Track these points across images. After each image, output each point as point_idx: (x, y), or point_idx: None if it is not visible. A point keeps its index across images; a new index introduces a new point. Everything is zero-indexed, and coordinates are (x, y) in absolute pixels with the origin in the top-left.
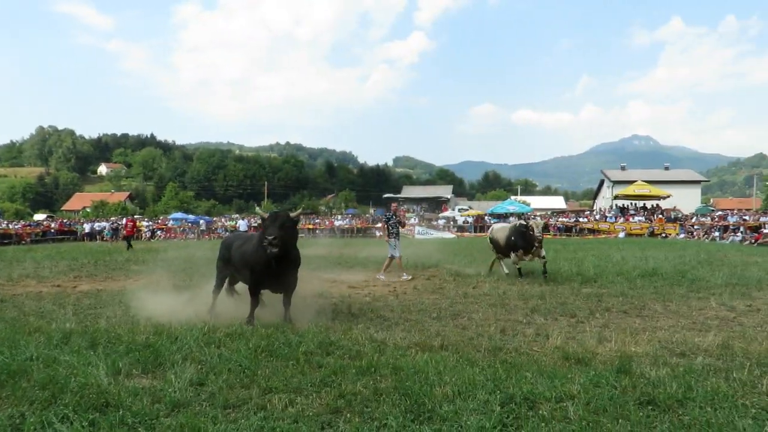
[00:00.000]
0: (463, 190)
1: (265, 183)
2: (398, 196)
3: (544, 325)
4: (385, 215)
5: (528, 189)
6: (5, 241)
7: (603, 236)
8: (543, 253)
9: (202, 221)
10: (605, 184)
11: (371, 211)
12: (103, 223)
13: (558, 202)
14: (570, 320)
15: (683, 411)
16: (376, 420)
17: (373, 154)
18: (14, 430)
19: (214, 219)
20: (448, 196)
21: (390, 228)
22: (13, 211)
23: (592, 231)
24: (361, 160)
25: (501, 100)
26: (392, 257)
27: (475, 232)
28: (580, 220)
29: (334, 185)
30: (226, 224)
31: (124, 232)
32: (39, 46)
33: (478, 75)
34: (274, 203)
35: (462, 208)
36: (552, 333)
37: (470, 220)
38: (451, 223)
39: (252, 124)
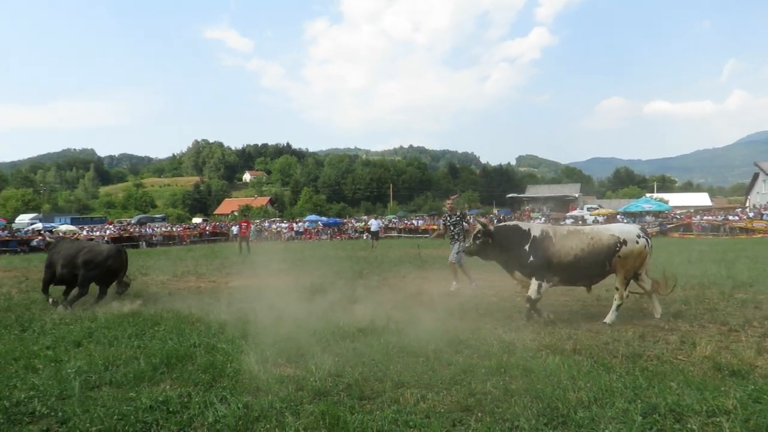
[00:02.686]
0: (591, 189)
1: (390, 185)
2: (522, 195)
3: (689, 333)
4: (445, 216)
5: (666, 185)
6: (170, 242)
7: (759, 236)
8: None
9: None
10: (760, 178)
11: (495, 211)
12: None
13: (702, 199)
14: (721, 328)
15: None
16: (508, 421)
17: (495, 154)
18: (183, 407)
19: (344, 220)
20: (576, 195)
21: (451, 229)
22: (175, 216)
23: (745, 230)
24: (483, 161)
25: (631, 93)
26: (458, 263)
27: None
28: (730, 218)
29: (456, 186)
30: (355, 225)
31: (240, 233)
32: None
33: (605, 67)
34: (399, 205)
35: (591, 207)
36: (700, 341)
37: (600, 219)
38: (580, 222)
39: (376, 129)
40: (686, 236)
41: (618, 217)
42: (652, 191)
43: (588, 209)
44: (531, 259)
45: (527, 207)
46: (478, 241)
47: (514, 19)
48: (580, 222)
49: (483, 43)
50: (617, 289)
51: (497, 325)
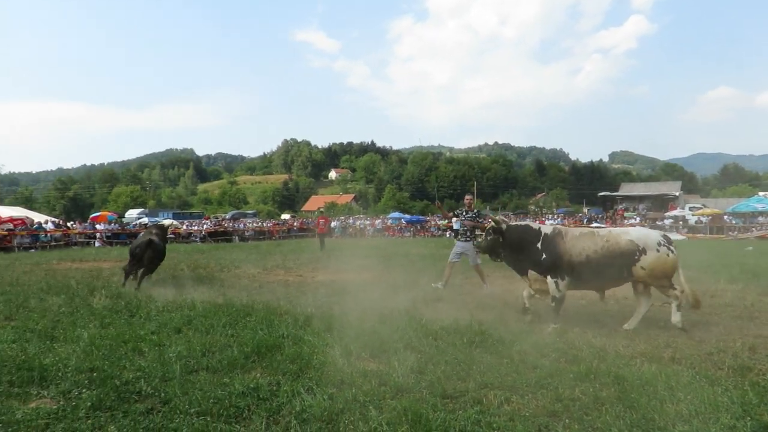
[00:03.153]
0: (694, 186)
1: (474, 183)
2: (616, 194)
3: None
4: (460, 211)
5: None
6: (260, 237)
7: None
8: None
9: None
10: None
11: (585, 210)
12: (334, 222)
13: None
14: None
15: None
16: (598, 430)
17: (586, 150)
18: (272, 395)
19: (428, 218)
20: (676, 193)
21: (463, 225)
22: (265, 212)
23: None
24: (572, 157)
25: (741, 82)
26: (476, 264)
27: (711, 233)
28: None
29: (544, 184)
30: (438, 223)
31: (318, 230)
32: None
33: (710, 56)
34: (483, 203)
35: (694, 207)
36: None
37: (704, 219)
38: (680, 223)
39: (461, 126)
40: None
41: (725, 217)
42: (766, 190)
43: (690, 209)
44: (543, 256)
45: (621, 206)
46: (489, 237)
47: (608, 7)
48: (680, 222)
49: (574, 34)
50: (668, 296)
51: (586, 329)
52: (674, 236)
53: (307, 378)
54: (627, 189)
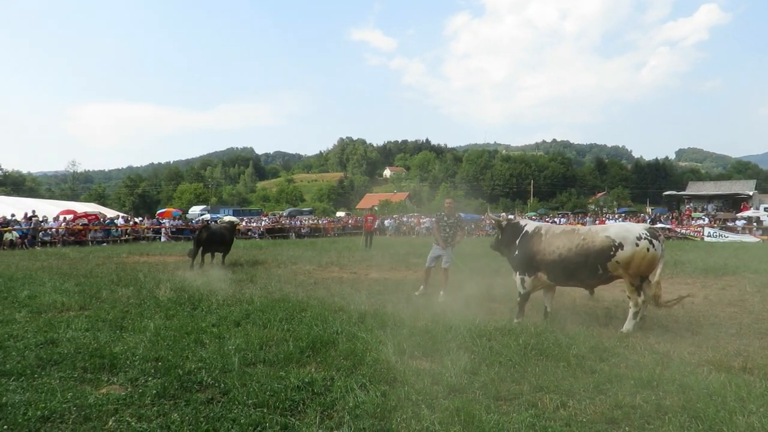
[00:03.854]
0: None
1: (531, 181)
2: (683, 193)
3: None
4: (440, 215)
5: None
6: (316, 234)
7: None
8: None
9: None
10: None
11: (648, 209)
12: (388, 221)
13: None
14: None
15: None
16: None
17: (650, 147)
18: (326, 390)
19: (483, 217)
20: (750, 193)
21: (447, 231)
22: (321, 209)
23: None
24: (636, 155)
25: None
26: (446, 268)
27: None
28: None
29: (604, 182)
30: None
31: (365, 227)
32: (341, 71)
33: None
34: (540, 201)
35: None
36: None
37: None
38: (755, 224)
39: (517, 123)
40: None
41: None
42: None
43: (765, 209)
44: (516, 253)
45: (688, 206)
46: (495, 235)
47: None
48: (754, 223)
49: (639, 26)
50: (629, 297)
51: (649, 334)
52: (748, 238)
53: (361, 374)
54: (695, 188)
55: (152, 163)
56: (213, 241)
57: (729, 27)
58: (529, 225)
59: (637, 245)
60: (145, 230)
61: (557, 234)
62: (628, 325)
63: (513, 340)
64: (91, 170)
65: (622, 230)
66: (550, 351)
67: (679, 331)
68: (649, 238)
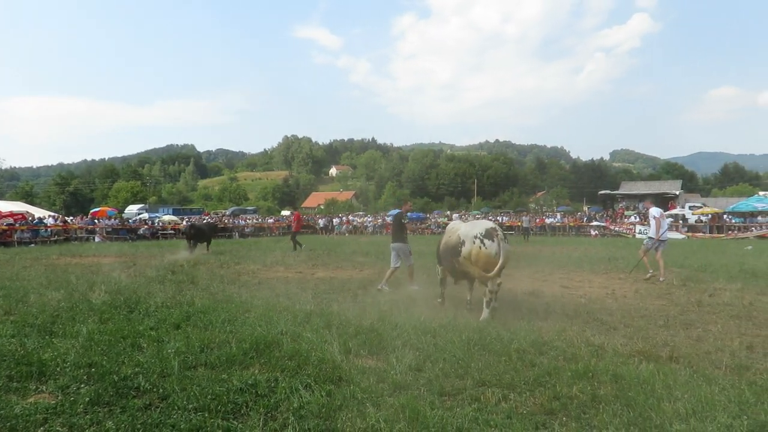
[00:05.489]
0: (695, 186)
1: (475, 181)
2: (616, 192)
3: None
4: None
5: None
6: (260, 233)
7: None
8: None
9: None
10: None
11: (585, 208)
12: (337, 219)
13: None
14: None
15: None
16: (595, 428)
17: (587, 149)
18: (270, 391)
19: (427, 216)
20: (677, 192)
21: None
22: (265, 208)
23: None
24: (573, 155)
25: (744, 81)
26: (409, 266)
27: (711, 232)
28: None
29: (544, 182)
30: (438, 220)
31: (293, 228)
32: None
33: (714, 55)
34: (483, 200)
35: (694, 206)
36: None
37: (704, 218)
38: (680, 222)
39: (462, 124)
40: None
41: (725, 216)
42: (766, 189)
43: (690, 207)
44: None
45: (621, 204)
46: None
47: (613, 5)
48: (680, 221)
49: (577, 32)
50: (486, 290)
51: (585, 328)
52: (674, 235)
53: (306, 375)
54: (627, 187)
55: (85, 160)
56: (199, 234)
57: (660, 34)
58: (449, 224)
59: (474, 243)
60: (78, 230)
61: (447, 232)
62: (484, 314)
63: (457, 336)
64: (17, 167)
65: (467, 229)
66: (492, 346)
67: (613, 323)
68: (481, 238)
